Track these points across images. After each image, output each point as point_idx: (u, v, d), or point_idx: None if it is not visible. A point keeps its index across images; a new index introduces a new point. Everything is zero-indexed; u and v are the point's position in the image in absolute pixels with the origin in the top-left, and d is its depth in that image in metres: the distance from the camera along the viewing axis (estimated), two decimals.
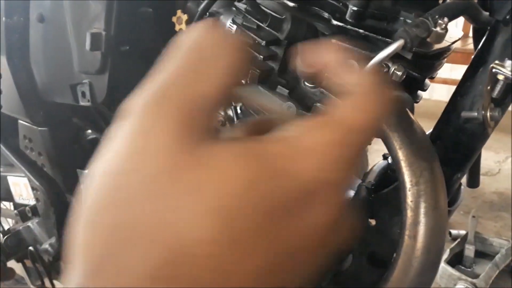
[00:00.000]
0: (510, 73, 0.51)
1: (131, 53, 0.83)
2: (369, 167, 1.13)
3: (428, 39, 0.52)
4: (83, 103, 0.85)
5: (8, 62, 0.86)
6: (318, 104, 0.61)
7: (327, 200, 0.23)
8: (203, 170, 0.20)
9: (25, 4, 0.84)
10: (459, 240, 1.74)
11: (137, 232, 0.19)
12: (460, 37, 0.70)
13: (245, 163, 0.21)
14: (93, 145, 1.09)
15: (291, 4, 0.64)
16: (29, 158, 0.95)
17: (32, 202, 1.13)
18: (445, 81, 2.70)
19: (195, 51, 0.23)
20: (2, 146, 0.94)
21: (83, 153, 1.06)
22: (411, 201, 0.56)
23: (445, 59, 0.70)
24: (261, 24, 0.69)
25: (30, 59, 0.87)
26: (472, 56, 0.64)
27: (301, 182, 0.22)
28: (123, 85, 0.85)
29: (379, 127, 0.26)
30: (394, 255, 0.59)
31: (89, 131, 1.09)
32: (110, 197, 0.20)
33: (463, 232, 1.79)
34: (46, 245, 0.99)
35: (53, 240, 0.98)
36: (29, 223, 1.09)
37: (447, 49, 0.66)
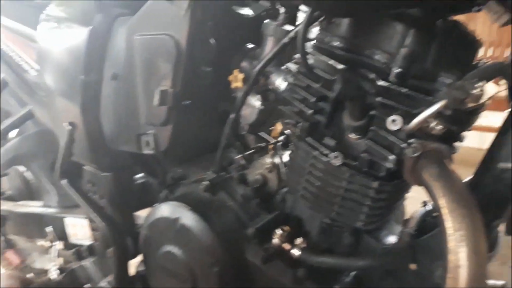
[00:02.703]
0: None
1: (191, 107, 0.92)
2: (405, 214, 1.17)
3: (467, 100, 0.58)
4: (146, 151, 0.94)
5: (82, 114, 0.97)
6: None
7: None
8: None
9: (101, 64, 0.96)
10: None
11: None
12: (494, 93, 0.75)
13: None
14: (145, 188, 1.18)
15: (339, 66, 0.72)
16: (94, 201, 1.04)
17: (86, 242, 1.21)
18: (476, 128, 2.70)
19: None
20: (72, 190, 1.03)
21: (136, 196, 1.14)
22: (453, 246, 0.60)
23: (480, 114, 0.76)
24: (311, 83, 0.77)
25: (100, 112, 0.98)
26: (508, 111, 0.70)
27: None
28: (183, 135, 0.95)
29: None
30: None
31: (141, 175, 1.18)
32: None
33: (501, 282, 1.76)
34: (103, 283, 1.06)
35: (110, 278, 1.05)
36: (84, 262, 1.17)
37: (482, 105, 0.72)
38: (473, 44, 0.73)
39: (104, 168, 1.03)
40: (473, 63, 0.74)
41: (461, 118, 0.70)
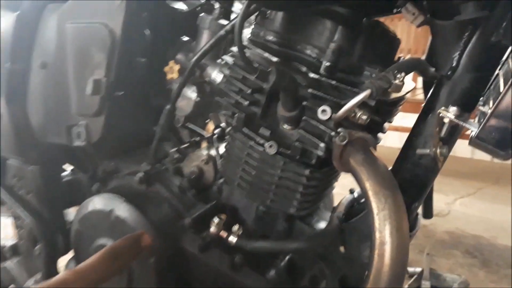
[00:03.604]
0: (453, 116, 0.64)
1: (125, 98, 0.91)
2: (333, 203, 1.23)
3: (389, 90, 0.64)
4: (77, 143, 0.92)
5: (7, 104, 0.92)
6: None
7: None
8: None
9: (29, 52, 0.92)
10: (416, 276, 1.84)
11: None
12: (412, 88, 0.83)
13: None
14: (74, 184, 1.14)
15: (274, 59, 0.76)
16: (20, 196, 0.99)
17: (8, 242, 1.15)
18: (396, 129, 2.91)
19: None
20: None
21: (65, 192, 1.11)
22: (379, 224, 0.66)
23: (401, 106, 0.83)
24: (247, 75, 0.80)
25: (28, 102, 0.94)
26: (423, 104, 0.77)
27: None
28: (116, 127, 0.93)
29: None
30: (366, 272, 0.68)
31: (70, 169, 1.15)
32: None
33: (419, 269, 1.90)
34: (30, 283, 1.01)
35: (38, 276, 1.01)
36: (7, 264, 1.11)
37: (402, 97, 0.79)
38: (393, 41, 0.79)
39: (31, 161, 0.99)
40: (394, 59, 0.81)
41: (383, 109, 0.77)
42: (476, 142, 0.55)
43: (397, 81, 0.63)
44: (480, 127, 0.53)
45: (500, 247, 2.18)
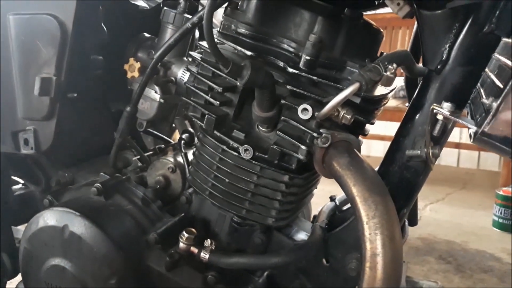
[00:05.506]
0: (448, 113, 0.58)
1: (79, 101, 0.81)
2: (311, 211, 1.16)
3: (379, 83, 0.57)
4: (25, 151, 0.81)
5: None
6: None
7: None
8: None
9: None
10: None
11: None
12: (395, 87, 0.77)
13: None
14: (24, 197, 1.03)
15: (248, 53, 0.68)
16: None
17: None
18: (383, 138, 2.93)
19: None
20: None
21: (14, 207, 0.99)
22: (369, 234, 0.59)
23: (382, 107, 0.77)
24: (217, 71, 0.72)
25: None
26: (410, 102, 0.71)
27: None
28: (70, 133, 0.83)
29: None
30: (356, 287, 0.61)
31: (19, 181, 1.03)
32: None
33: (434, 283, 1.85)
34: None
35: None
36: None
37: (385, 96, 0.73)
38: (377, 35, 0.73)
39: None
40: (377, 55, 0.75)
41: (367, 108, 0.70)
42: (481, 139, 0.49)
43: (388, 73, 0.56)
44: (487, 122, 0.47)
45: (471, 251, 2.17)
